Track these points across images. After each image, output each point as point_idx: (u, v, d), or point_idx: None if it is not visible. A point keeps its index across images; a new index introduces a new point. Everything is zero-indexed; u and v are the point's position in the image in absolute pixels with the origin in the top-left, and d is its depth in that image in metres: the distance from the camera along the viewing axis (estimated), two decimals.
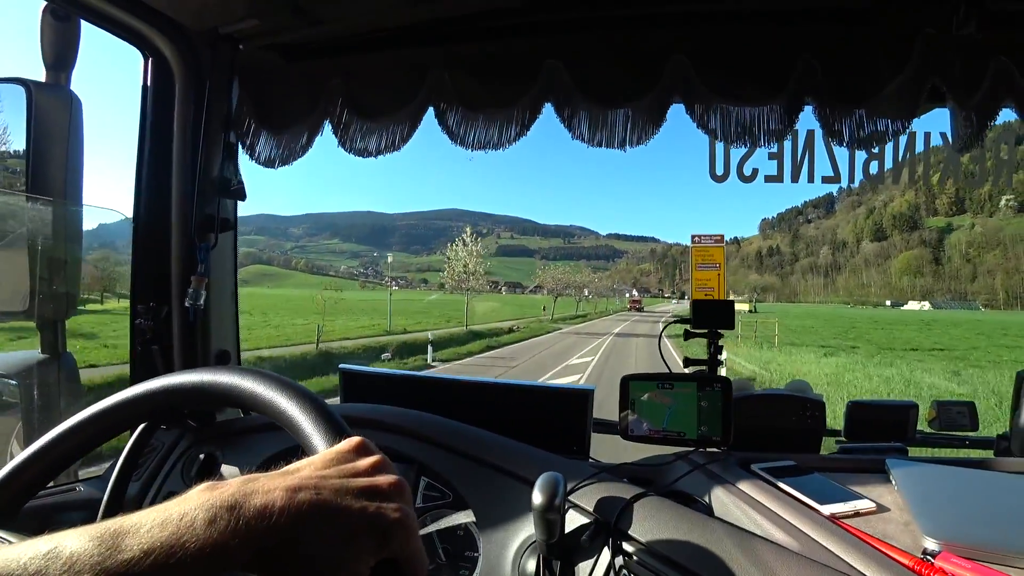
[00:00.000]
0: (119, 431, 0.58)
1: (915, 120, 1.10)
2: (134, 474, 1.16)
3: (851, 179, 1.20)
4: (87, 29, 1.16)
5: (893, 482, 0.89)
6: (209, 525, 0.29)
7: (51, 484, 0.94)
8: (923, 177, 1.14)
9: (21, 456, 0.55)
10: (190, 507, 0.30)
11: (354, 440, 0.39)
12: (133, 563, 0.28)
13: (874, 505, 0.82)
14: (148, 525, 0.29)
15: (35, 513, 0.99)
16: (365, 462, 0.37)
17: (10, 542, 0.47)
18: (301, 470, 0.36)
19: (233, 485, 0.32)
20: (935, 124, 1.13)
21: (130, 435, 0.87)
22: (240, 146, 1.42)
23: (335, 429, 0.42)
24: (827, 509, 0.80)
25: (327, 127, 1.37)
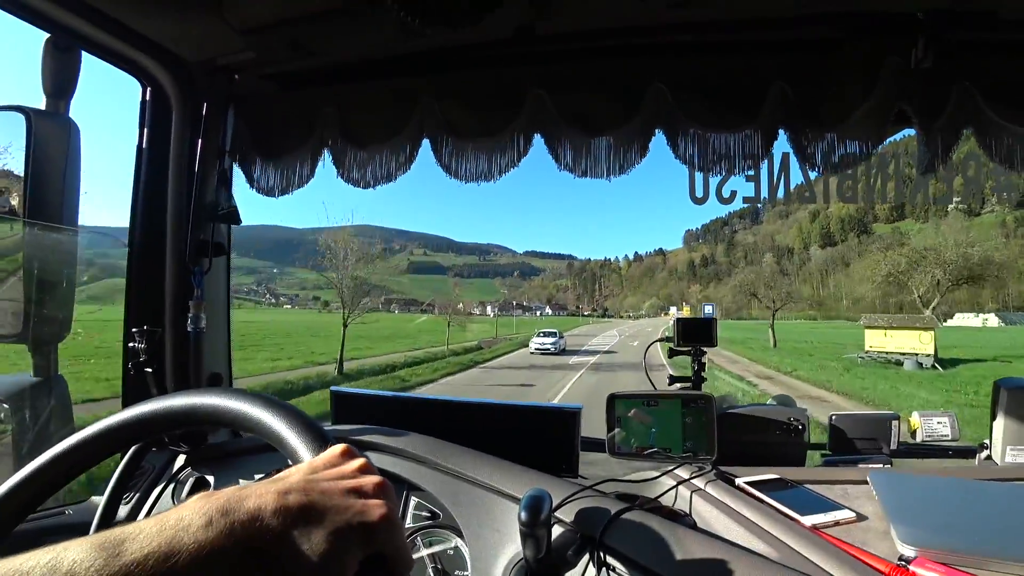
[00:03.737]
0: (109, 454, 0.58)
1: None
2: (124, 497, 1.16)
3: (826, 198, 1.25)
4: (86, 57, 1.20)
5: (874, 492, 0.91)
6: (204, 528, 0.31)
7: (40, 508, 0.93)
8: (895, 195, 1.19)
9: (11, 481, 0.55)
10: (186, 513, 0.32)
11: (339, 447, 0.42)
12: (133, 566, 0.29)
13: (854, 515, 0.84)
14: (146, 531, 0.31)
15: (24, 538, 0.98)
16: (350, 465, 0.40)
17: None
18: (290, 476, 0.38)
19: (227, 492, 0.34)
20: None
21: (121, 458, 0.88)
22: (240, 173, 1.46)
23: (319, 439, 0.44)
24: (808, 520, 0.82)
25: (328, 157, 1.41)
